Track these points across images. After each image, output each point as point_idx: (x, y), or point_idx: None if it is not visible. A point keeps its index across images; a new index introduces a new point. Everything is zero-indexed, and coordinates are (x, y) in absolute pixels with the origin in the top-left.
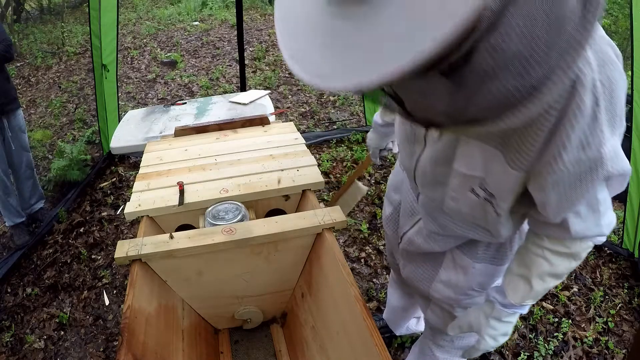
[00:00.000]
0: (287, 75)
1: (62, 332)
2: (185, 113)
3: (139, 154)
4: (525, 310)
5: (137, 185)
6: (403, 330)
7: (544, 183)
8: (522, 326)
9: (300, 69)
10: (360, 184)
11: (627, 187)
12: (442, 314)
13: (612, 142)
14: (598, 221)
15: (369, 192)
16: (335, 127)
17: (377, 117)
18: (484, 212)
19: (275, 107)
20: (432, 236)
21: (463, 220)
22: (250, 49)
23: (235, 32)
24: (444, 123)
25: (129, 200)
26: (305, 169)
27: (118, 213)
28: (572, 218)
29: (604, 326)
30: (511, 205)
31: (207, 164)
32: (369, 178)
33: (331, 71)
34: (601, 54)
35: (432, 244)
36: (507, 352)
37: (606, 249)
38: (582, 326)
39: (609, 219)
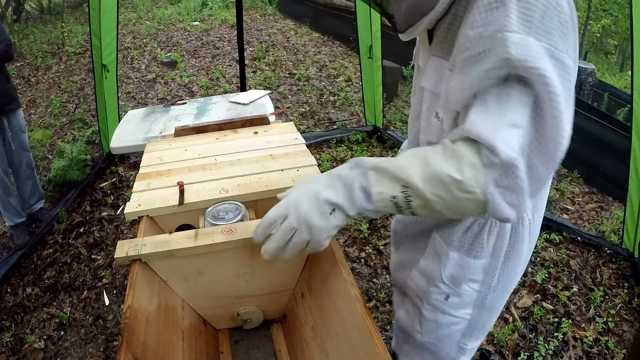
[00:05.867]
0: (287, 75)
1: (62, 332)
2: (185, 113)
3: (139, 154)
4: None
5: (137, 185)
6: None
7: (456, 66)
8: (522, 326)
9: None
10: None
11: (627, 188)
12: (413, 311)
13: (523, 37)
14: (498, 128)
15: None
16: (335, 127)
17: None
18: (440, 137)
19: (275, 107)
20: None
21: None
22: (250, 49)
23: (235, 32)
24: (398, 24)
25: (129, 200)
26: (305, 169)
27: (118, 213)
28: (475, 106)
29: (604, 326)
30: (452, 119)
31: (207, 164)
32: None
33: None
34: None
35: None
36: (507, 352)
37: (606, 249)
38: (582, 326)
39: (511, 141)
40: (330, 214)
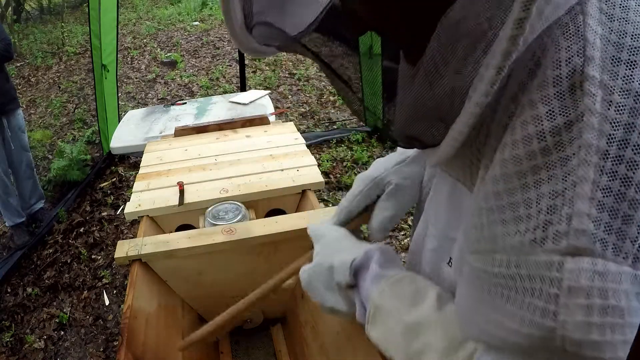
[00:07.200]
0: (287, 75)
1: (62, 332)
2: (185, 113)
3: (139, 154)
4: None
5: (137, 185)
6: None
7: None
8: None
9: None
10: None
11: None
12: None
13: (605, 263)
14: None
15: None
16: (335, 127)
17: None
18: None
19: (275, 107)
20: None
21: None
22: None
23: None
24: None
25: (129, 200)
26: (305, 169)
27: (118, 213)
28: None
29: None
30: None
31: (207, 164)
32: None
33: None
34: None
35: None
36: None
37: None
38: None
39: None
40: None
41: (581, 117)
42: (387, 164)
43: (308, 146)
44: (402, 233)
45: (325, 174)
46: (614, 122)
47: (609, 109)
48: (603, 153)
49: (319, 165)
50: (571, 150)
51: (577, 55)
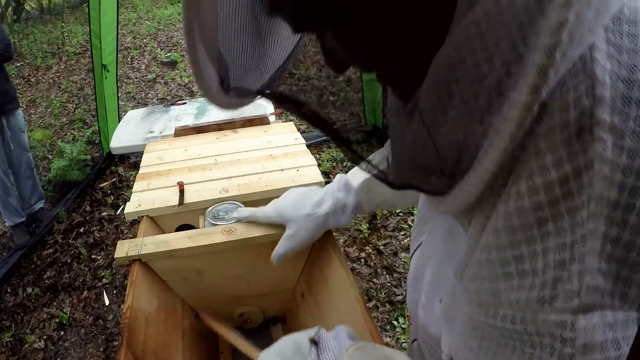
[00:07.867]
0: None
1: (62, 332)
2: (185, 113)
3: (139, 154)
4: None
5: (137, 185)
6: None
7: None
8: None
9: None
10: None
11: None
12: None
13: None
14: None
15: None
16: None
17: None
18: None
19: (275, 107)
20: None
21: None
22: None
23: None
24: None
25: (129, 200)
26: (305, 169)
27: (118, 213)
28: None
29: None
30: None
31: (207, 164)
32: None
33: None
34: None
35: None
36: None
37: None
38: None
39: None
40: None
41: (591, 164)
42: (304, 207)
43: (308, 146)
44: (402, 233)
45: (325, 174)
46: (626, 169)
47: (620, 155)
48: (614, 203)
49: (319, 165)
50: (580, 200)
51: (586, 96)
